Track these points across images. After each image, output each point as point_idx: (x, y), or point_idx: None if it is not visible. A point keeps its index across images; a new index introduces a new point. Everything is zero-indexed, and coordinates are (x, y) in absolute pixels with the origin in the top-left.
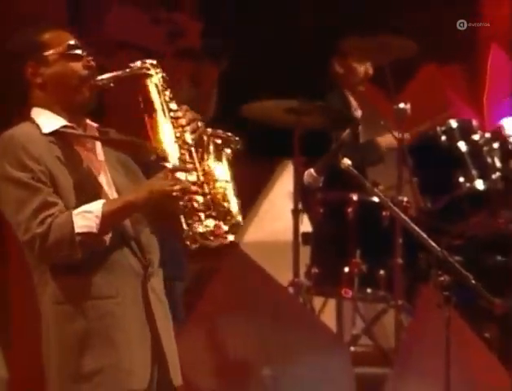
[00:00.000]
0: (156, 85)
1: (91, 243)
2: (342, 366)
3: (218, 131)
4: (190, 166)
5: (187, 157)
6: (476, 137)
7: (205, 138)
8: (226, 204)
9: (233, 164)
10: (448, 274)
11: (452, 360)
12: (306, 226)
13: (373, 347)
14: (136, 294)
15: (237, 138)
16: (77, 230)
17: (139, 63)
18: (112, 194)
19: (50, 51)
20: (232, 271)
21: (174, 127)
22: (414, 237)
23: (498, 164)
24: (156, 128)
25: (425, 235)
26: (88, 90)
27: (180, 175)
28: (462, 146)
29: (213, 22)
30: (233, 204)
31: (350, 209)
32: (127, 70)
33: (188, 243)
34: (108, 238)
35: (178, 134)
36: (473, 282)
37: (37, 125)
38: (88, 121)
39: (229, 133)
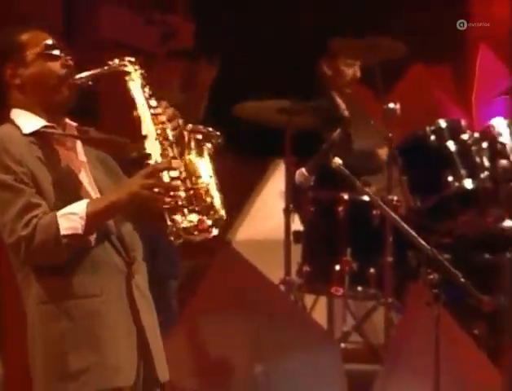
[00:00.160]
0: (136, 83)
1: (77, 245)
2: (332, 363)
3: (199, 126)
4: (172, 162)
5: (169, 153)
6: (465, 136)
7: (186, 133)
8: (209, 199)
9: (215, 158)
10: (438, 272)
11: (442, 357)
12: (297, 224)
13: (363, 344)
14: (121, 292)
15: (218, 133)
16: (63, 232)
17: (117, 61)
18: (92, 192)
19: (28, 52)
20: (224, 269)
21: (154, 124)
22: (404, 235)
23: (487, 163)
24: (138, 125)
25: (414, 234)
26: (67, 89)
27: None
28: (451, 145)
29: (209, 22)
30: (216, 199)
31: (341, 208)
32: (105, 68)
33: (172, 238)
34: (93, 238)
35: (159, 131)
36: (462, 280)
37: (18, 126)
38: (67, 120)
39: (210, 128)
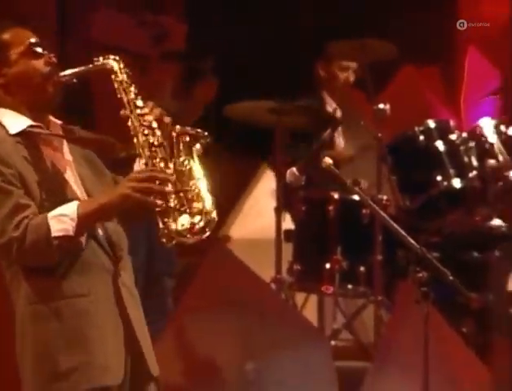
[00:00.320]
0: (121, 82)
1: (68, 246)
2: (323, 360)
3: (187, 128)
4: (161, 165)
5: (158, 155)
6: (453, 136)
7: (174, 135)
8: (200, 201)
9: (204, 159)
10: (426, 270)
11: (431, 354)
12: (288, 223)
13: (353, 341)
14: (108, 290)
15: (206, 133)
16: (54, 233)
17: (101, 59)
18: (78, 191)
19: (12, 51)
20: (215, 267)
21: (141, 124)
22: (393, 234)
23: (475, 162)
24: (126, 124)
25: (404, 233)
26: (52, 87)
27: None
28: (440, 145)
29: (200, 23)
30: (207, 201)
31: (331, 207)
32: (90, 66)
33: (165, 240)
34: (83, 240)
35: (146, 131)
36: (450, 278)
37: (3, 126)
38: (51, 118)
39: (198, 130)
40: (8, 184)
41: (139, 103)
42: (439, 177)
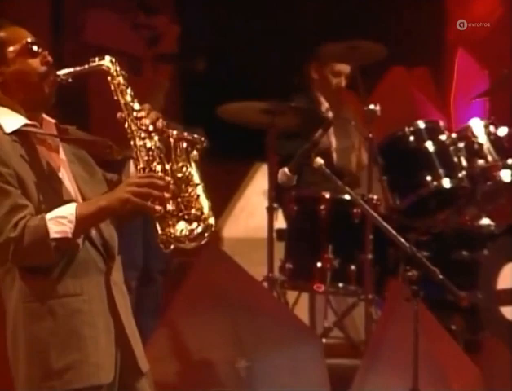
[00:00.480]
0: (118, 85)
1: (65, 247)
2: (314, 358)
3: (184, 134)
4: (158, 169)
5: (156, 160)
6: (443, 137)
7: (172, 140)
8: (198, 207)
9: (201, 165)
10: (416, 268)
11: (420, 351)
12: (280, 222)
13: (344, 339)
14: (100, 289)
15: (202, 138)
16: (52, 235)
17: (97, 60)
18: (72, 190)
19: (9, 49)
20: (208, 266)
21: (138, 128)
22: (384, 233)
23: (464, 163)
24: (123, 126)
25: (394, 232)
26: (48, 86)
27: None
28: (430, 146)
29: (193, 23)
30: (205, 207)
31: (322, 207)
32: (86, 66)
33: (163, 246)
34: (80, 241)
35: (143, 135)
36: (440, 276)
37: (0, 125)
38: (45, 117)
39: (195, 135)
40: (6, 184)
41: (136, 106)
42: (428, 177)
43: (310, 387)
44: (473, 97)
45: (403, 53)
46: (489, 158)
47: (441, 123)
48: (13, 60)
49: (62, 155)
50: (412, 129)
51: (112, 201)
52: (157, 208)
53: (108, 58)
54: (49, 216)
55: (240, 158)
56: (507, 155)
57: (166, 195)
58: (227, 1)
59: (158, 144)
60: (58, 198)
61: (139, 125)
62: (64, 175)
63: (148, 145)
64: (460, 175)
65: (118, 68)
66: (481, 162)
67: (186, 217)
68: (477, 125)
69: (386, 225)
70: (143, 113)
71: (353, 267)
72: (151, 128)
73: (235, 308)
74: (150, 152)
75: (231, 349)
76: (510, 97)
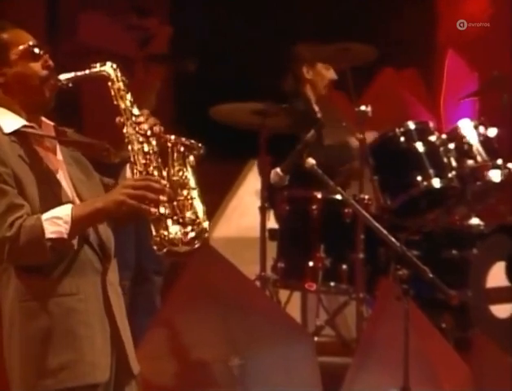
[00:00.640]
0: (118, 90)
1: (61, 248)
2: (306, 356)
3: (181, 138)
4: (155, 173)
5: (153, 163)
6: (433, 138)
7: (169, 145)
8: (192, 211)
9: (197, 170)
10: (407, 267)
11: (411, 349)
12: (272, 222)
13: (336, 337)
14: (96, 289)
15: (200, 145)
16: (48, 235)
17: (98, 65)
18: (69, 191)
19: (12, 51)
20: (201, 265)
21: (136, 132)
22: (375, 233)
23: (454, 163)
24: (120, 131)
25: (385, 231)
26: (48, 90)
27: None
28: (420, 146)
29: (186, 25)
30: (200, 211)
31: (314, 207)
32: (87, 71)
33: (156, 248)
34: (75, 241)
35: (141, 139)
36: (430, 275)
37: None
38: (44, 119)
39: (192, 140)
40: (3, 183)
41: (135, 111)
42: (419, 178)
43: (302, 384)
44: (462, 97)
45: (394, 54)
46: (479, 158)
47: (431, 124)
48: (15, 62)
49: (60, 157)
50: (402, 129)
51: (108, 203)
52: (152, 210)
53: (109, 63)
54: (45, 216)
55: (233, 158)
56: (496, 155)
57: (162, 197)
58: (221, 2)
59: (156, 149)
60: (55, 199)
61: (137, 129)
62: (62, 177)
63: (146, 149)
64: (450, 175)
65: (119, 74)
66: (471, 162)
67: (181, 220)
68: (467, 126)
69: (377, 224)
70: (141, 118)
71: (344, 266)
72: (149, 133)
73: (228, 307)
74: (147, 156)
75: (225, 347)
76: (500, 98)
